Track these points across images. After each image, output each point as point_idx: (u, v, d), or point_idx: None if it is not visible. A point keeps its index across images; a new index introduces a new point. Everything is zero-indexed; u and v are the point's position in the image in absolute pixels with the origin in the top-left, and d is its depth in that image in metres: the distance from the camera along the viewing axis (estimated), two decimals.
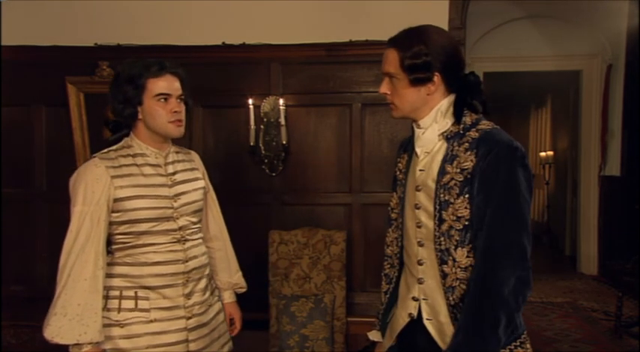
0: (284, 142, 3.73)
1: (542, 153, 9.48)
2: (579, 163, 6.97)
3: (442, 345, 1.62)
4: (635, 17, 5.96)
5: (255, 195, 3.83)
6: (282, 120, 3.71)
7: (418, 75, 1.62)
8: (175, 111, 1.98)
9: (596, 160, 6.62)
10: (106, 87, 3.64)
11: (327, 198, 3.84)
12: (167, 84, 1.97)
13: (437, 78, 1.63)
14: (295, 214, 3.83)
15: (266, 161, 3.81)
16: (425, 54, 1.60)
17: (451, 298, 1.61)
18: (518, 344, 1.60)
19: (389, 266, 1.89)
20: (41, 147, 3.93)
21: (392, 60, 1.65)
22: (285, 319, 3.40)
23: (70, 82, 3.77)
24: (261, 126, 3.78)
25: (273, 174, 3.83)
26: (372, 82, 3.73)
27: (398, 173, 1.85)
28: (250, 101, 3.70)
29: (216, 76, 3.79)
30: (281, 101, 3.72)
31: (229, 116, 3.81)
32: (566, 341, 4.48)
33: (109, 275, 1.94)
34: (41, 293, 3.85)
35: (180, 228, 2.02)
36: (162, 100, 1.96)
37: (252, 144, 3.72)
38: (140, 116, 1.98)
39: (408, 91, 1.65)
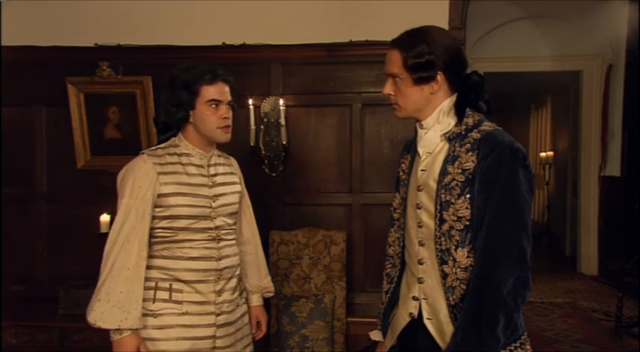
0: (284, 142, 3.73)
1: (543, 154, 9.48)
2: (579, 163, 6.97)
3: (442, 345, 1.62)
4: (635, 18, 5.96)
5: (255, 196, 3.78)
6: (283, 121, 3.70)
7: (422, 74, 1.63)
8: (225, 117, 2.08)
9: (596, 160, 6.62)
10: (107, 87, 3.77)
11: (328, 199, 3.84)
12: (219, 91, 2.08)
13: (440, 77, 1.64)
14: (295, 214, 3.83)
15: (266, 161, 3.81)
16: (428, 53, 1.62)
17: (451, 298, 1.61)
18: (518, 344, 1.60)
19: (390, 265, 1.90)
20: (41, 147, 3.93)
21: (395, 60, 1.65)
22: (285, 319, 3.40)
23: (71, 82, 3.77)
24: (262, 127, 3.78)
25: (273, 175, 3.83)
26: (372, 82, 3.73)
27: (401, 173, 1.85)
28: (250, 101, 3.69)
29: None
30: (281, 101, 3.72)
31: None
32: (566, 341, 4.48)
33: (146, 267, 2.01)
34: (41, 293, 3.87)
35: (216, 227, 2.10)
36: (213, 106, 2.06)
37: (252, 144, 3.72)
38: (191, 119, 2.07)
39: (411, 91, 1.66)
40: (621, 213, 6.22)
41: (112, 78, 3.78)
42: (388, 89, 1.70)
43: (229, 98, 2.10)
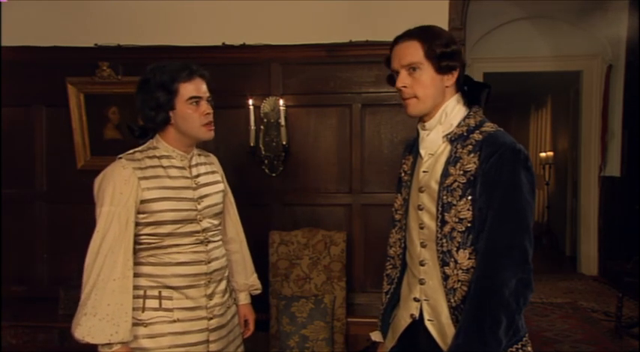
0: (284, 143, 3.73)
1: (543, 154, 9.48)
2: (579, 164, 6.97)
3: (443, 346, 1.62)
4: (635, 18, 5.96)
5: (255, 196, 3.83)
6: (282, 121, 3.70)
7: (449, 62, 1.62)
8: (207, 114, 2.01)
9: (596, 161, 6.62)
10: (107, 87, 3.77)
11: (328, 199, 3.84)
12: (197, 87, 2.00)
13: (458, 69, 1.65)
14: (295, 215, 3.83)
15: (266, 161, 3.81)
16: (454, 42, 1.63)
17: (452, 300, 1.61)
18: (519, 346, 1.61)
19: (391, 266, 1.90)
20: (41, 147, 3.92)
21: (414, 51, 1.63)
22: (285, 319, 3.40)
23: (71, 82, 3.77)
24: (261, 127, 3.78)
25: (273, 175, 3.83)
26: (372, 82, 3.73)
27: (403, 174, 1.85)
28: (250, 102, 3.69)
29: (216, 77, 3.74)
30: (281, 102, 3.72)
31: (229, 117, 3.79)
32: (566, 341, 4.48)
33: (133, 275, 1.94)
34: (41, 293, 3.87)
35: (203, 230, 2.04)
36: (194, 104, 1.99)
37: (252, 144, 3.71)
38: (172, 121, 1.99)
39: (433, 79, 1.64)
40: (621, 213, 6.22)
41: (112, 78, 3.77)
42: (403, 81, 1.65)
43: (208, 94, 2.02)
